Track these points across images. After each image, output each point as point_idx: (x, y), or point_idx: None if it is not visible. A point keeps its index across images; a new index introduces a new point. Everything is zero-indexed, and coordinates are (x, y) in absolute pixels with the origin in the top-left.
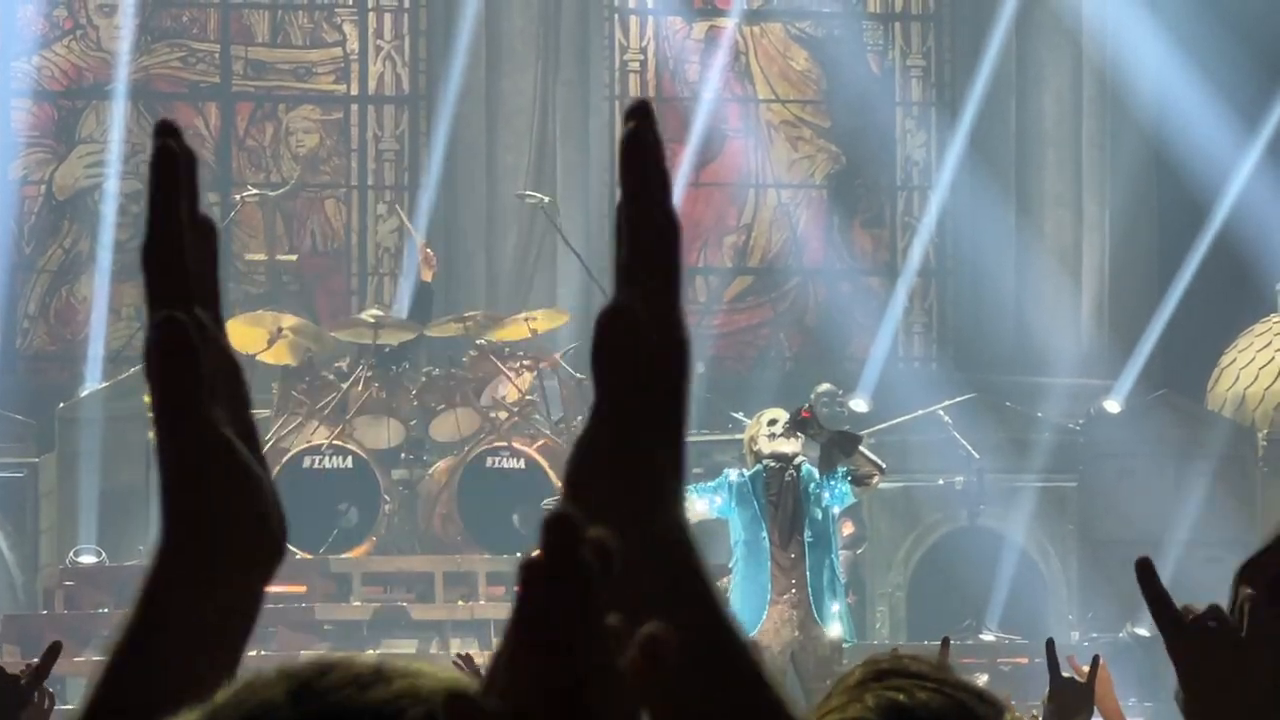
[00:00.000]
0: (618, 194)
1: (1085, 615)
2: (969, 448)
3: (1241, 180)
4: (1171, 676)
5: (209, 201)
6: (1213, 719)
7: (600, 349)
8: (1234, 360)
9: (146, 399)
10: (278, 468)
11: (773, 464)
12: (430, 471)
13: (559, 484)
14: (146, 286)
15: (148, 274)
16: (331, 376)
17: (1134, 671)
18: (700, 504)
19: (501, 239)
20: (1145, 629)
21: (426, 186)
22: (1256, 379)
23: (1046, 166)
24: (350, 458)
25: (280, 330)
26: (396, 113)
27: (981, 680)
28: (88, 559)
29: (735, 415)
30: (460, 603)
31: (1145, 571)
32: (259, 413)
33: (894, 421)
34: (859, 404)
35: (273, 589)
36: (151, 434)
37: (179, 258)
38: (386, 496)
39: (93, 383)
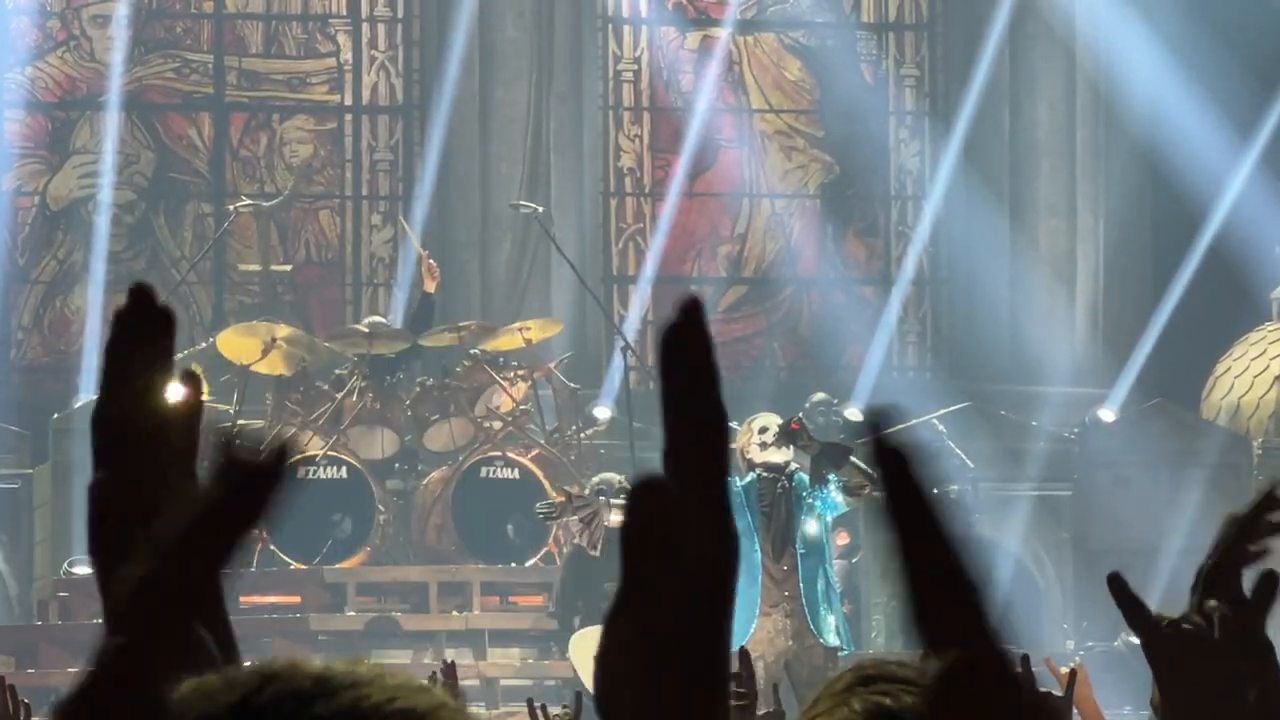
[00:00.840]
0: (612, 203)
1: (1080, 624)
2: (963, 457)
3: (1235, 189)
4: None
5: (203, 212)
6: None
7: (632, 526)
8: (1228, 369)
9: None
10: None
11: (765, 474)
12: (424, 482)
13: (552, 492)
14: (93, 447)
15: (93, 437)
16: (326, 387)
17: (1129, 680)
18: None
19: (495, 249)
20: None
21: (420, 197)
22: (1251, 387)
23: (1040, 176)
24: (344, 468)
25: (274, 340)
26: (390, 123)
27: None
28: (82, 570)
29: (730, 425)
30: (454, 613)
31: (1116, 584)
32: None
33: (888, 431)
34: (853, 413)
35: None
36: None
37: (128, 422)
38: (381, 507)
39: (87, 394)
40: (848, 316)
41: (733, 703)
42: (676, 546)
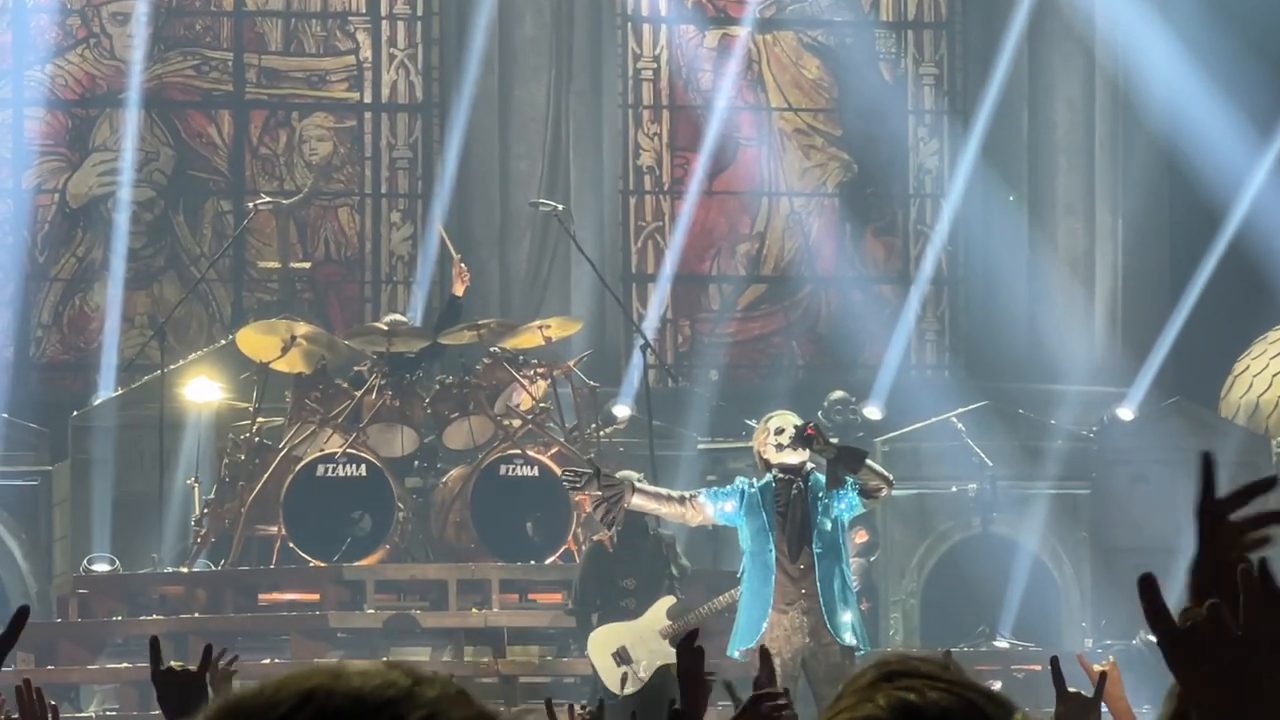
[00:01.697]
0: (631, 201)
1: (1098, 622)
2: (982, 455)
3: (1254, 188)
4: None
5: (222, 210)
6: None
7: None
8: (1247, 367)
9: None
10: (291, 476)
11: (780, 475)
12: (444, 479)
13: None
14: None
15: None
16: (345, 384)
17: (1147, 678)
18: (709, 509)
19: (515, 247)
20: None
21: (440, 195)
22: (1270, 386)
23: (1059, 174)
24: (364, 466)
25: (294, 338)
26: (410, 121)
27: (995, 688)
28: (101, 567)
29: (749, 422)
30: (473, 610)
31: (1148, 587)
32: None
33: (907, 429)
34: (872, 412)
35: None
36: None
37: None
38: (400, 504)
39: (106, 391)
40: (866, 315)
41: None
42: None
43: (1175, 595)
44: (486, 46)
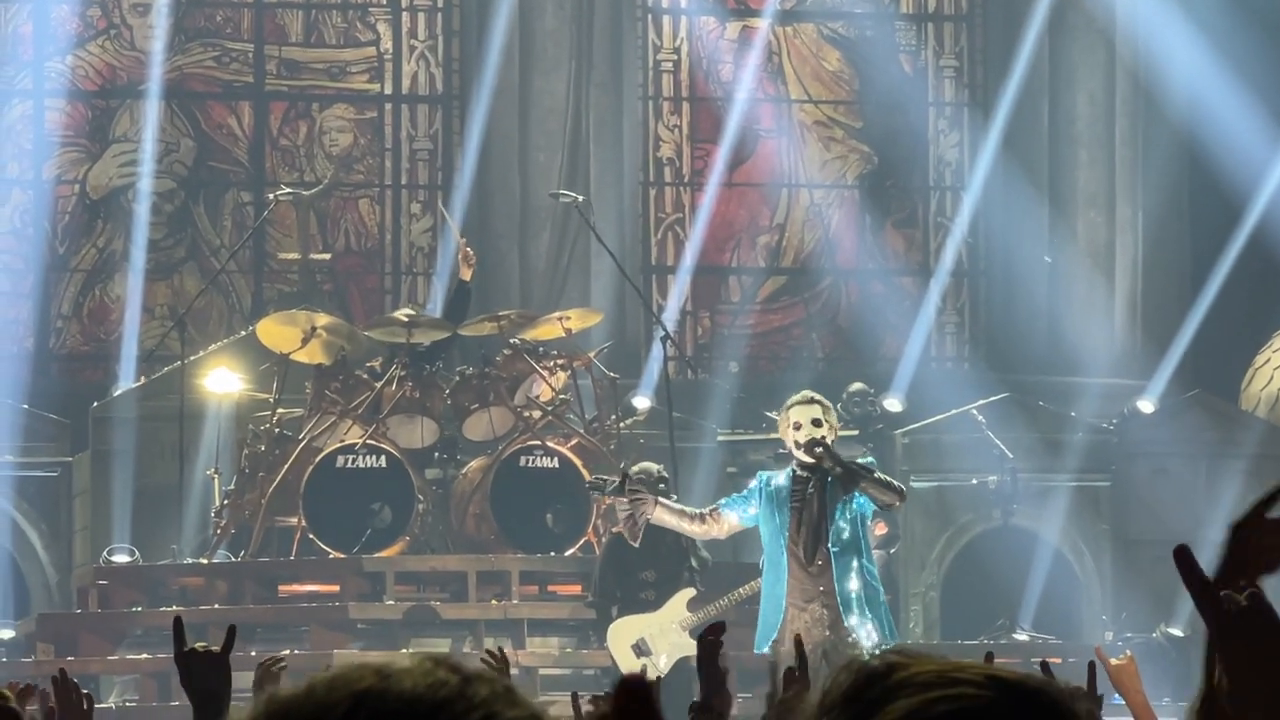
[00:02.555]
0: (651, 193)
1: (1119, 615)
2: (1002, 447)
3: (1275, 180)
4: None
5: (242, 201)
6: (1258, 703)
7: None
8: (1268, 360)
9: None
10: (311, 467)
11: (799, 471)
12: (463, 471)
13: (587, 473)
14: None
15: None
16: (365, 376)
17: (1168, 671)
18: (732, 517)
19: (535, 238)
20: (1179, 629)
21: (460, 186)
22: None
23: (1079, 167)
24: (384, 457)
25: (314, 329)
26: (430, 112)
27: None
28: (121, 558)
29: (769, 415)
30: (493, 602)
31: (1185, 559)
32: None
33: (927, 421)
34: (892, 404)
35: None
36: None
37: None
38: (420, 496)
39: (126, 382)
40: (886, 307)
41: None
42: None
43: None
44: (507, 38)
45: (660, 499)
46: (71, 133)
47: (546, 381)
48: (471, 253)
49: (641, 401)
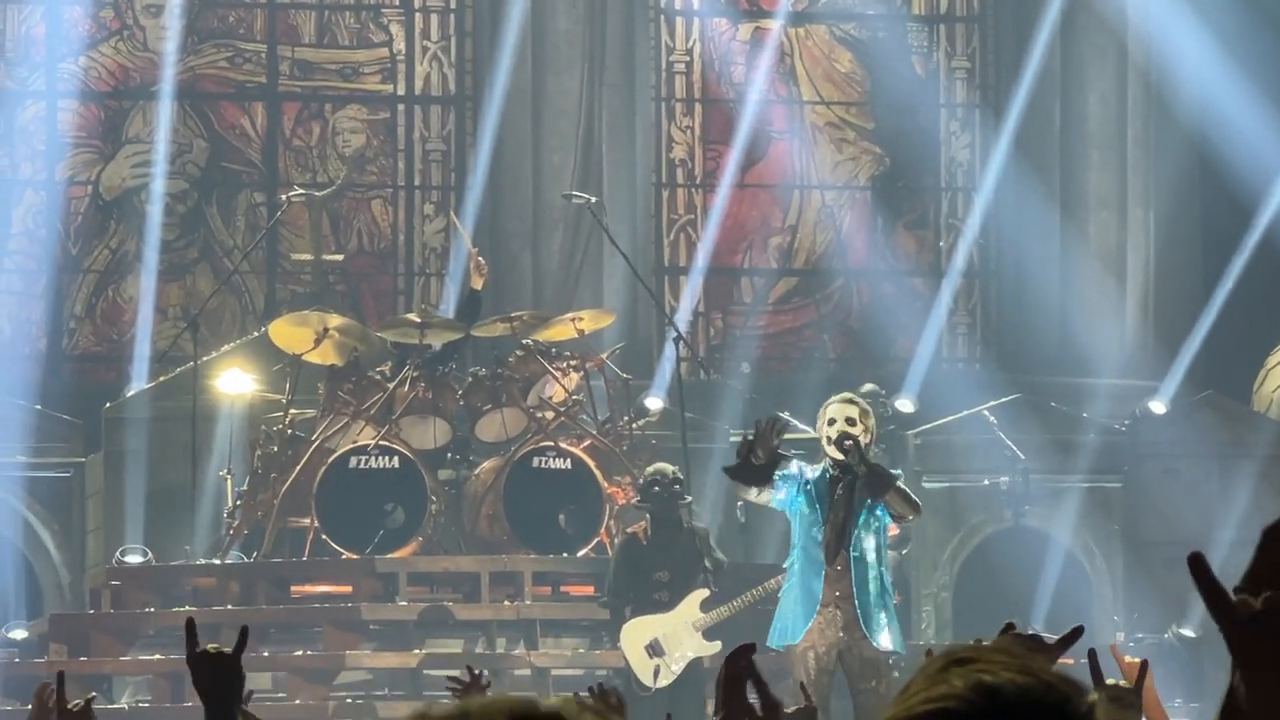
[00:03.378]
0: (663, 194)
1: (1130, 616)
2: (1014, 448)
3: None
4: (1215, 678)
5: (255, 202)
6: (1274, 706)
7: None
8: (1279, 361)
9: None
10: (324, 468)
11: (831, 471)
12: (476, 472)
13: (603, 483)
14: None
15: None
16: (378, 377)
17: (1179, 672)
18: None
19: (548, 239)
20: (1191, 630)
21: (473, 187)
22: None
23: (1091, 168)
24: (396, 458)
25: (326, 330)
26: (443, 113)
27: None
28: (134, 559)
29: (781, 415)
30: (506, 603)
31: (1199, 565)
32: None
33: (939, 422)
34: (904, 405)
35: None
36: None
37: None
38: (433, 497)
39: (139, 383)
40: (898, 308)
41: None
42: None
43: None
44: (519, 39)
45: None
46: (84, 134)
47: (559, 382)
48: (484, 262)
49: (654, 402)
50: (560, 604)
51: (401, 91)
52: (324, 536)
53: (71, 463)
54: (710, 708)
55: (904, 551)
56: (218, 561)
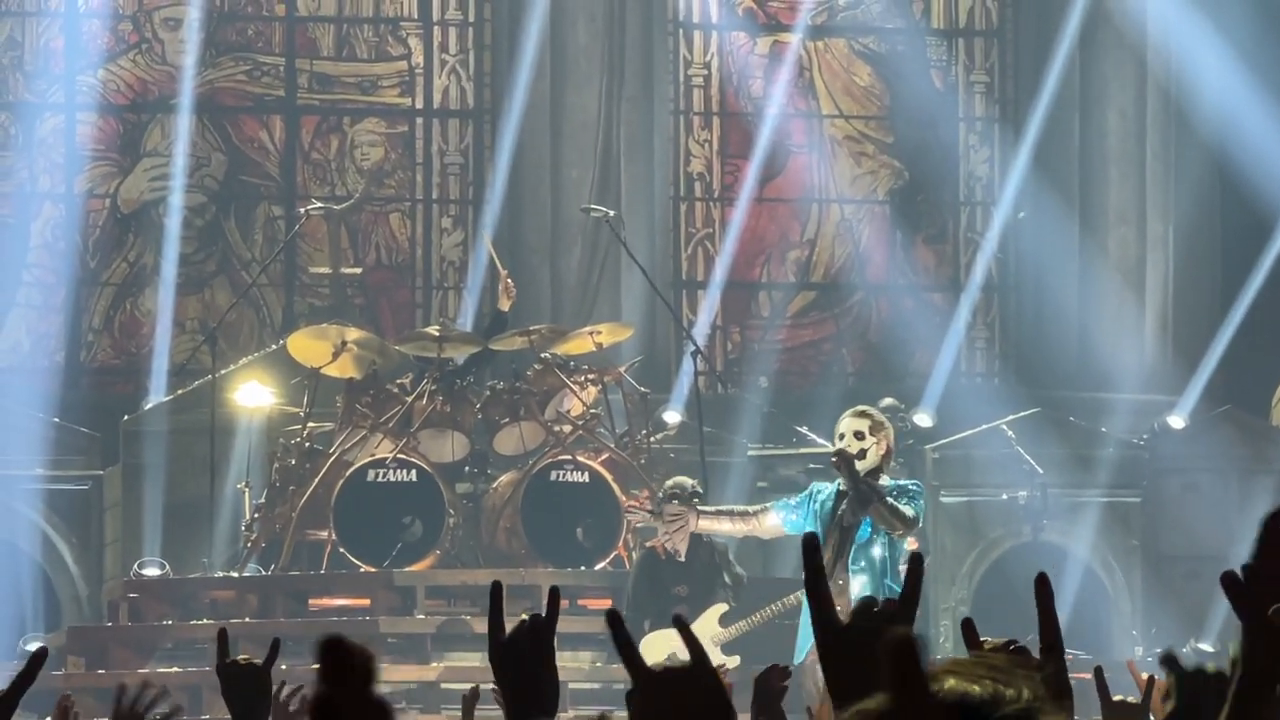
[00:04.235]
0: (682, 208)
1: (1149, 630)
2: (1032, 463)
3: None
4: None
5: (273, 215)
6: None
7: None
8: None
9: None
10: (342, 481)
11: (841, 486)
12: (494, 485)
13: (621, 496)
14: None
15: None
16: (396, 390)
17: None
18: (776, 518)
19: (566, 253)
20: (1209, 644)
21: (491, 200)
22: None
23: (1110, 183)
24: (414, 471)
25: (344, 343)
26: (461, 127)
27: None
28: (152, 571)
29: (799, 429)
30: (524, 616)
31: (1233, 585)
32: (322, 425)
33: (957, 436)
34: (922, 419)
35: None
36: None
37: None
38: (450, 510)
39: (157, 396)
40: (917, 322)
41: None
42: None
43: (1225, 601)
44: (538, 53)
45: (700, 508)
46: (103, 147)
47: (577, 396)
48: (513, 285)
49: (672, 416)
50: (578, 617)
51: (420, 105)
52: (341, 549)
53: (89, 475)
54: None
55: None
56: (235, 574)
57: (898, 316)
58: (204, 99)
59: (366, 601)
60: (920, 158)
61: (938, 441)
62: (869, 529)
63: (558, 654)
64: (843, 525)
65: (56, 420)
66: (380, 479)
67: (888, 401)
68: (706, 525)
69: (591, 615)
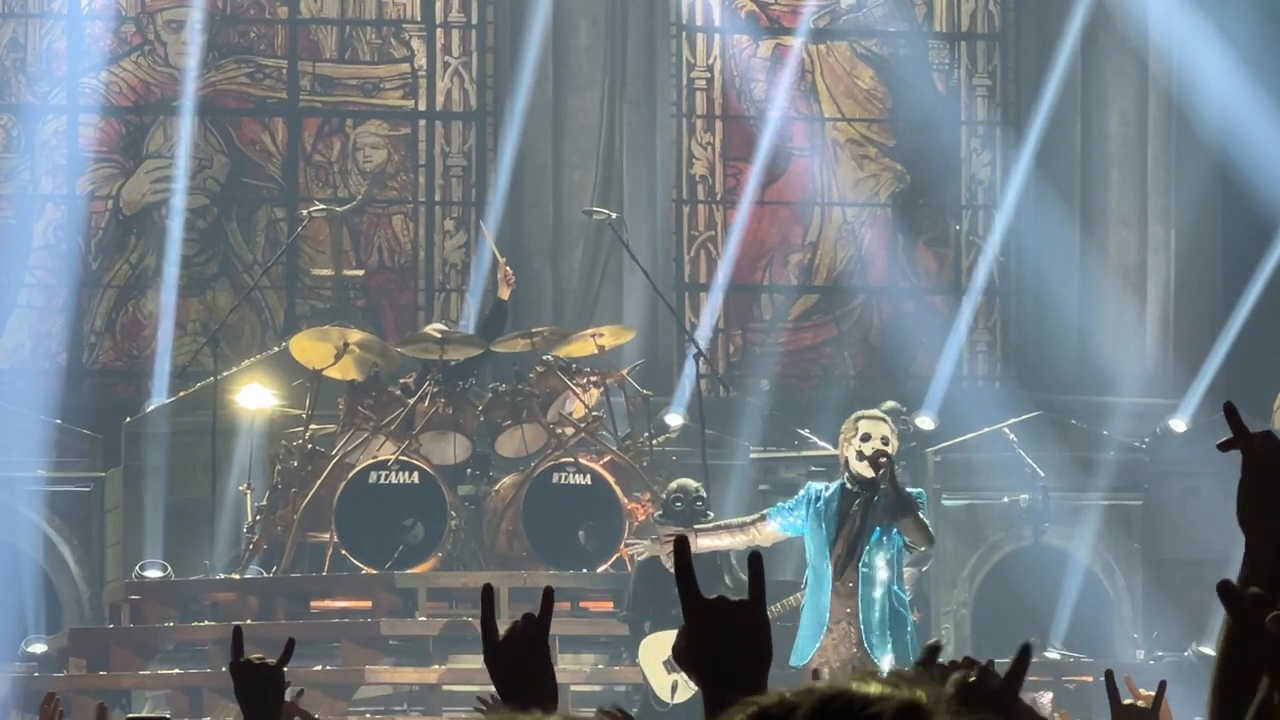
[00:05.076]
0: (684, 211)
1: (1150, 634)
2: (1034, 466)
3: None
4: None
5: (275, 217)
6: None
7: None
8: None
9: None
10: (344, 483)
11: (849, 485)
12: (496, 487)
13: (623, 499)
14: None
15: None
16: (398, 392)
17: (1200, 691)
18: (775, 525)
19: (568, 255)
20: (1210, 648)
21: (493, 203)
22: None
23: (1111, 186)
24: (416, 473)
25: (347, 345)
26: (464, 129)
27: (1046, 698)
28: (153, 573)
29: (801, 432)
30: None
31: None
32: (324, 427)
33: (959, 440)
34: (924, 422)
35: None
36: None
37: None
38: (452, 512)
39: (159, 398)
40: (918, 326)
41: None
42: None
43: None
44: (540, 55)
45: (698, 527)
46: (105, 148)
47: (579, 398)
48: (511, 272)
49: (674, 419)
50: (579, 620)
51: (422, 107)
52: (343, 551)
53: (91, 477)
54: None
55: (924, 569)
56: (237, 576)
57: (899, 320)
58: (206, 101)
59: (368, 603)
60: (922, 161)
61: (939, 444)
62: (879, 532)
63: (559, 657)
64: (854, 525)
65: (58, 422)
66: (382, 481)
67: (890, 404)
68: (707, 543)
69: (593, 618)
